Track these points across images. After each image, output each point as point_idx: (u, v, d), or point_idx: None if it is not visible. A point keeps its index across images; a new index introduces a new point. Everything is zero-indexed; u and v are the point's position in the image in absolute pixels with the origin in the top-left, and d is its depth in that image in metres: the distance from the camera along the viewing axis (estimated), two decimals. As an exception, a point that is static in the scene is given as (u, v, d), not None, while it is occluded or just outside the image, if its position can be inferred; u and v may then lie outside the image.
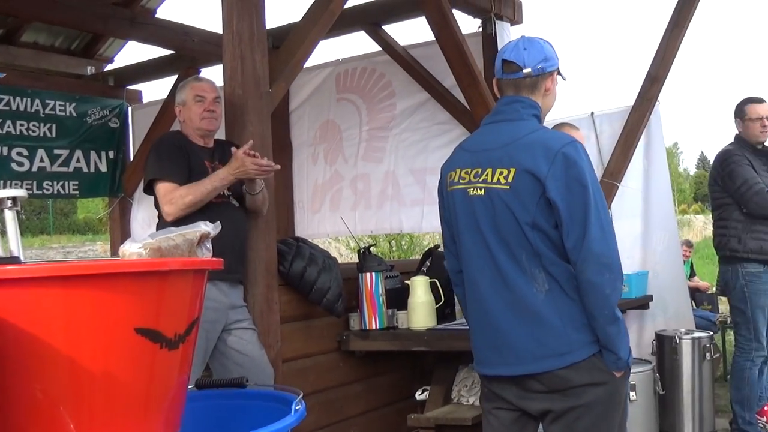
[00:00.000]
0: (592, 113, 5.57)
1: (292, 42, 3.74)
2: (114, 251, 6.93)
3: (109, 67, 7.17)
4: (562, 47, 2.72)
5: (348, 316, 4.00)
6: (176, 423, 1.60)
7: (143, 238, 1.65)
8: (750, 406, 4.47)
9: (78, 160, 6.44)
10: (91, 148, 6.55)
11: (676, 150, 52.94)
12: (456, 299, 3.19)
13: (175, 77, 6.20)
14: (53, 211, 22.51)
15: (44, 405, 1.38)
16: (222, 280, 3.21)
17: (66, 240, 20.25)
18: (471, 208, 2.30)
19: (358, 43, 6.39)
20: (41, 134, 6.18)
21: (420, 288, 3.93)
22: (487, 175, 2.27)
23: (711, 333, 4.71)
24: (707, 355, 4.49)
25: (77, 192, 6.52)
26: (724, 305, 8.45)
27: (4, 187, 5.71)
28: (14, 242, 1.72)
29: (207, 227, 1.57)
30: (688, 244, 8.97)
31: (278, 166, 3.28)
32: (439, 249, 4.59)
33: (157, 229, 2.90)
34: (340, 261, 4.28)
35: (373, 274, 3.91)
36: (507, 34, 5.37)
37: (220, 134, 3.47)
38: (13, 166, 6.00)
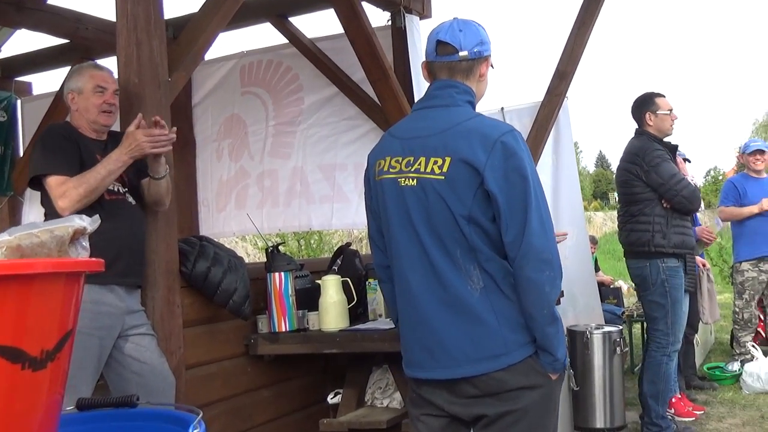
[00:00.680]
0: (503, 108, 5.56)
1: (193, 29, 3.52)
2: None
3: (-5, 57, 6.72)
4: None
5: (256, 319, 3.81)
6: (46, 454, 1.35)
7: (-1, 236, 1.37)
8: (665, 400, 4.52)
9: (-38, 157, 6.02)
10: (-23, 143, 6.12)
11: (576, 149, 54.63)
12: (383, 297, 3.03)
13: (67, 68, 5.81)
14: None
15: None
16: (119, 285, 2.98)
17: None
18: (402, 200, 2.15)
19: (264, 35, 6.20)
20: None
21: (331, 287, 3.77)
22: (419, 164, 2.12)
23: (620, 327, 4.74)
24: (617, 349, 4.50)
25: (-39, 191, 6.09)
26: (628, 299, 8.67)
27: None
28: None
29: (82, 221, 1.32)
30: (593, 240, 9.14)
31: (174, 136, 3.01)
32: (350, 247, 4.44)
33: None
34: (247, 261, 4.07)
35: (282, 273, 3.73)
36: (416, 28, 5.30)
37: (115, 125, 3.22)
38: None
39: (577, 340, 4.55)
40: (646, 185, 4.48)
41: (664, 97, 4.66)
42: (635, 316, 6.62)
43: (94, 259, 1.36)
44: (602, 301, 7.68)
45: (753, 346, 5.93)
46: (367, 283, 4.03)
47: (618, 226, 4.79)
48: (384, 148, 2.25)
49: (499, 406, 2.09)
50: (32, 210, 6.20)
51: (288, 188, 5.75)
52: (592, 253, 8.70)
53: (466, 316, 2.07)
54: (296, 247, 14.85)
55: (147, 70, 3.20)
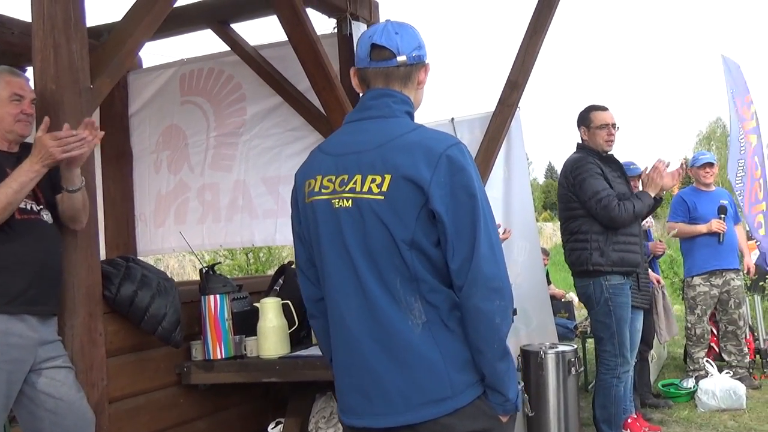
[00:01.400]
0: (453, 119, 5.40)
1: (119, 32, 3.27)
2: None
3: None
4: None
5: (189, 345, 3.55)
6: None
7: None
8: (618, 424, 4.37)
9: None
10: None
11: (527, 160, 55.19)
12: (313, 334, 2.79)
13: (-7, 75, 5.48)
14: None
15: None
16: (30, 314, 2.69)
17: None
18: (336, 224, 1.91)
19: (204, 42, 5.96)
20: None
21: (271, 311, 3.52)
22: (355, 183, 1.88)
23: (575, 347, 4.57)
24: (572, 369, 4.34)
25: None
26: (579, 311, 8.58)
27: None
28: None
29: None
30: (544, 251, 9.04)
31: (85, 136, 2.70)
32: (293, 266, 4.20)
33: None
34: (193, 278, 3.80)
35: (218, 296, 3.48)
36: (364, 35, 5.10)
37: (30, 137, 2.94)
38: None
39: (531, 360, 4.37)
40: (578, 200, 4.35)
41: (605, 110, 4.52)
42: (588, 332, 6.48)
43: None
44: (554, 315, 7.58)
45: (708, 361, 5.84)
46: (310, 304, 3.79)
47: (562, 245, 4.64)
48: (314, 165, 2.01)
49: None
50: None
51: (230, 202, 5.49)
52: (545, 265, 8.63)
53: (406, 355, 1.84)
54: (245, 260, 14.50)
55: (66, 76, 2.94)
